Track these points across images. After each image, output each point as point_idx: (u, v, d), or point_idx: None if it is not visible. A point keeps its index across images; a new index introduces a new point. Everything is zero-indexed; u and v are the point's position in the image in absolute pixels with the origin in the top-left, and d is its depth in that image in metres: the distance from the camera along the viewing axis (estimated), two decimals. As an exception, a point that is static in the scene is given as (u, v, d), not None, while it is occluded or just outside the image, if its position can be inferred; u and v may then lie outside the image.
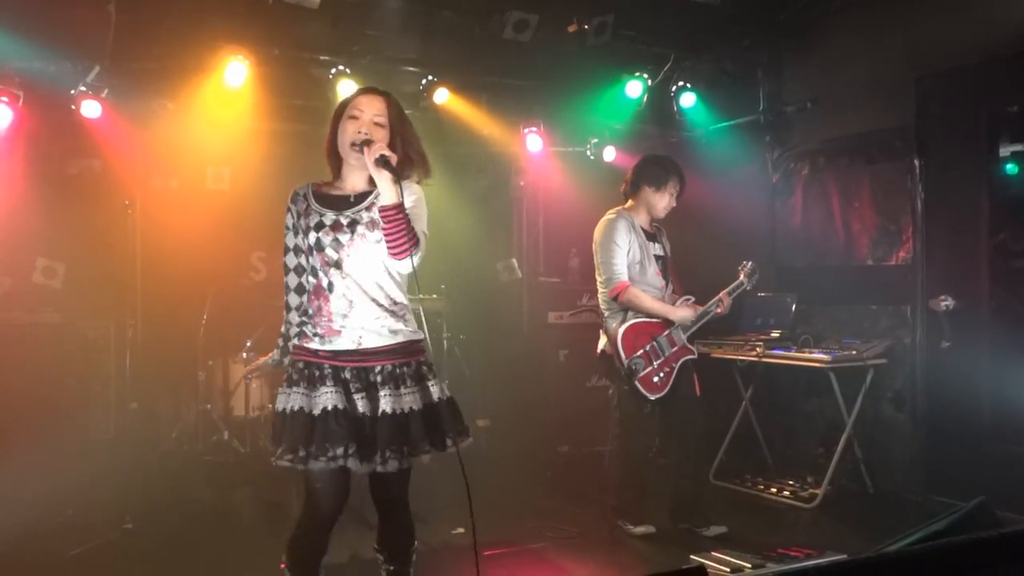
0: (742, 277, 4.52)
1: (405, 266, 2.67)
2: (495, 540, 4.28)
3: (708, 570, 1.52)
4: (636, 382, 4.26)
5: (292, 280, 2.77)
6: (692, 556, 3.64)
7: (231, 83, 5.16)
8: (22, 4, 4.58)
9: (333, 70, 5.37)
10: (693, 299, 4.49)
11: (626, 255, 4.32)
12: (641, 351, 4.29)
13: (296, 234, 2.77)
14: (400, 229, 2.61)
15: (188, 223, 5.81)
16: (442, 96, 5.75)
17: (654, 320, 4.36)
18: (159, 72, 5.23)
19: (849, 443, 5.09)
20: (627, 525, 4.42)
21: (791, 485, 5.22)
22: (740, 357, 5.35)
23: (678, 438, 4.47)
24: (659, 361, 4.32)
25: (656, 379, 4.30)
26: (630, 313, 4.34)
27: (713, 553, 3.58)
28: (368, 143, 2.63)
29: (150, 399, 5.75)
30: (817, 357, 4.94)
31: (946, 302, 4.82)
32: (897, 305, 5.20)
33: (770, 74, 6.05)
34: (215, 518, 4.60)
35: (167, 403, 5.86)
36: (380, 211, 2.63)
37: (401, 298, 2.76)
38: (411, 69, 5.77)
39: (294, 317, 2.75)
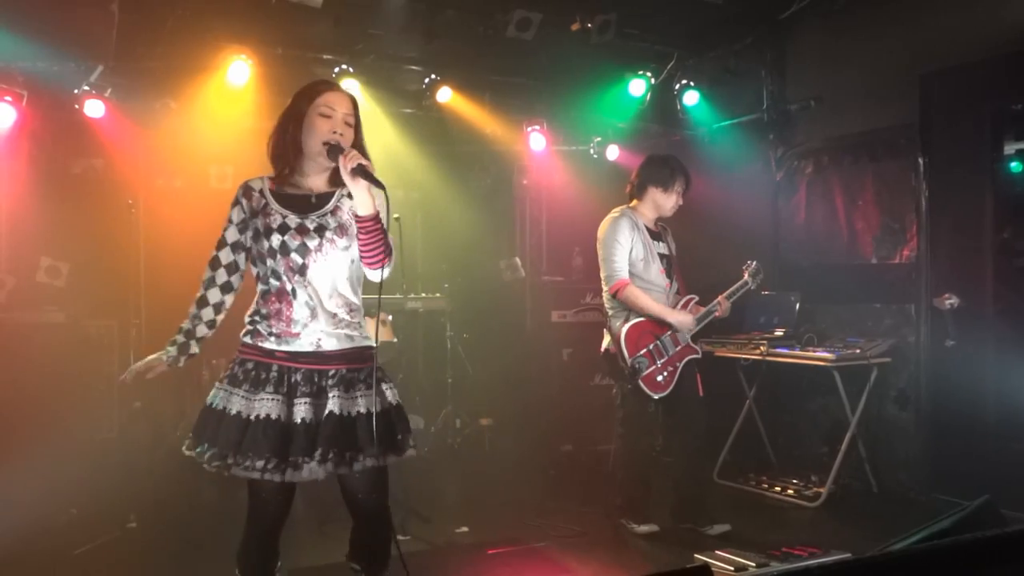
0: (746, 276, 4.51)
1: (377, 275, 2.63)
2: (499, 539, 4.29)
3: (712, 569, 1.51)
4: (639, 381, 4.25)
5: (220, 276, 2.66)
6: (696, 555, 3.64)
7: (234, 82, 5.16)
8: (26, 4, 4.58)
9: (336, 69, 5.38)
10: (697, 299, 4.49)
11: (628, 253, 4.32)
12: (644, 350, 4.28)
13: (243, 231, 2.65)
14: (377, 240, 2.56)
15: (191, 222, 5.77)
16: (445, 95, 5.75)
17: (658, 320, 4.35)
18: (162, 71, 5.23)
19: (853, 442, 5.08)
20: (631, 524, 4.41)
21: (795, 484, 5.21)
22: (744, 356, 5.34)
23: (681, 437, 4.47)
24: (662, 360, 4.31)
25: (659, 378, 4.30)
26: (634, 312, 4.34)
27: (717, 552, 3.59)
28: (340, 149, 2.55)
29: (153, 398, 5.74)
30: (821, 356, 4.93)
31: (950, 300, 4.81)
32: (901, 303, 5.19)
33: (773, 72, 6.03)
34: (218, 516, 4.59)
35: (170, 402, 5.85)
36: (357, 221, 2.56)
37: (358, 304, 2.70)
38: (414, 68, 5.77)
39: (207, 314, 2.66)
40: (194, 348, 2.67)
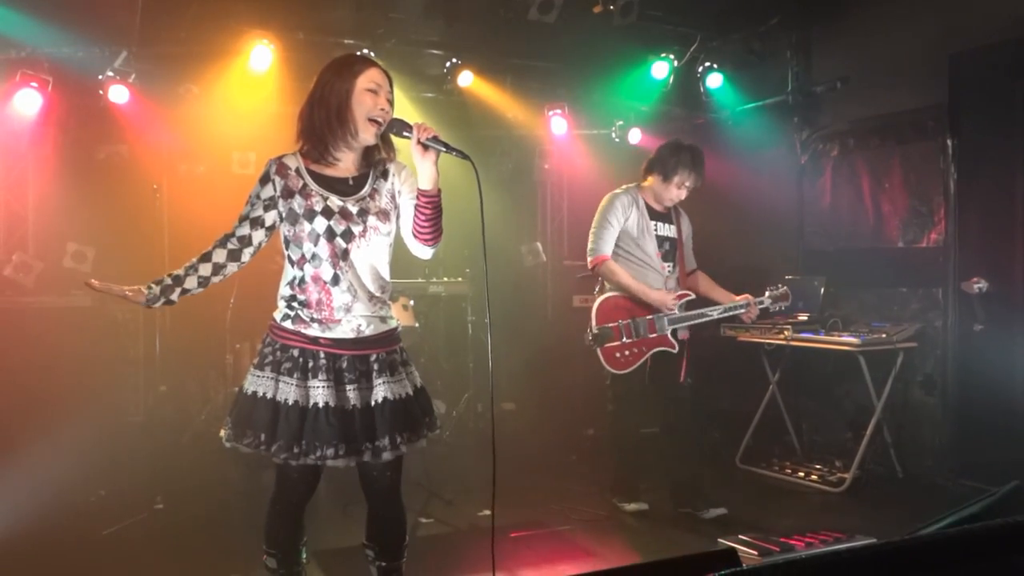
0: (765, 295, 4.44)
1: (429, 252, 2.64)
2: (521, 522, 4.30)
3: (738, 553, 1.50)
4: (598, 351, 4.25)
5: (232, 243, 2.57)
6: (720, 540, 3.63)
7: (256, 67, 5.16)
8: (50, -10, 4.61)
9: (357, 54, 5.37)
10: (692, 296, 4.41)
11: (616, 232, 4.30)
12: (613, 324, 4.26)
13: (268, 209, 2.55)
14: (438, 215, 2.55)
15: (215, 207, 5.81)
16: (466, 79, 5.72)
17: (639, 303, 4.29)
18: (185, 56, 5.25)
19: (878, 427, 5.04)
20: (621, 503, 4.49)
21: (819, 469, 5.18)
22: (768, 340, 5.31)
23: (666, 424, 4.50)
24: (629, 340, 4.27)
25: (619, 355, 4.26)
26: (614, 288, 4.33)
27: (741, 536, 3.57)
28: (406, 123, 2.53)
29: (179, 381, 5.82)
30: (846, 341, 4.88)
31: (979, 284, 4.74)
32: (928, 287, 5.12)
33: (798, 54, 5.96)
34: (244, 498, 4.65)
35: (196, 385, 5.92)
36: (424, 196, 2.51)
37: (389, 287, 2.70)
38: (435, 52, 5.75)
39: (204, 270, 2.55)
40: (174, 297, 2.52)
